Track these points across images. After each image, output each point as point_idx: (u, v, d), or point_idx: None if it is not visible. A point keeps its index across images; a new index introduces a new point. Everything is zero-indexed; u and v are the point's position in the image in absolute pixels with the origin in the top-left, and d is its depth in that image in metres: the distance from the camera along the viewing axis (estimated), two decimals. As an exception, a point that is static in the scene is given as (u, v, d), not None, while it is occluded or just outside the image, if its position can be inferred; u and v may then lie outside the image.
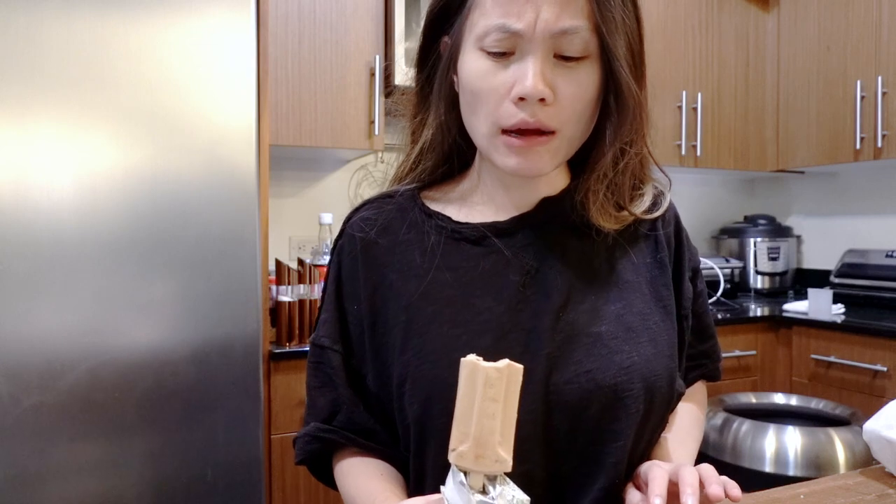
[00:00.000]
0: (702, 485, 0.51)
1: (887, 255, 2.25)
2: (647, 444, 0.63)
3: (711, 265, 2.41)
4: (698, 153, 2.36)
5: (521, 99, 0.54)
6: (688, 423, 0.72)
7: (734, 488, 0.50)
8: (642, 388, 0.58)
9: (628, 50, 0.56)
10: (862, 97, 2.13)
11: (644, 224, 0.67)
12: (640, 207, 0.64)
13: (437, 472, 0.57)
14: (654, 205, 0.66)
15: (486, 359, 0.43)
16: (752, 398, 1.80)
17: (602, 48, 0.55)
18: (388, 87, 1.84)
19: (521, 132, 0.55)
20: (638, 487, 0.59)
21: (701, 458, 0.72)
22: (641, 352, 0.59)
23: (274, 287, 1.65)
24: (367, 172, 2.18)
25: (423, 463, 0.59)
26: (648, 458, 0.63)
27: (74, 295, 1.21)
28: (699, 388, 0.77)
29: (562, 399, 0.57)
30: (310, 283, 1.65)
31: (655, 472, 0.54)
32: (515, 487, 0.42)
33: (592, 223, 0.62)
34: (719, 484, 0.50)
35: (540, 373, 0.57)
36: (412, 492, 0.61)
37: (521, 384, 0.43)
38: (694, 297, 0.71)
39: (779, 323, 2.18)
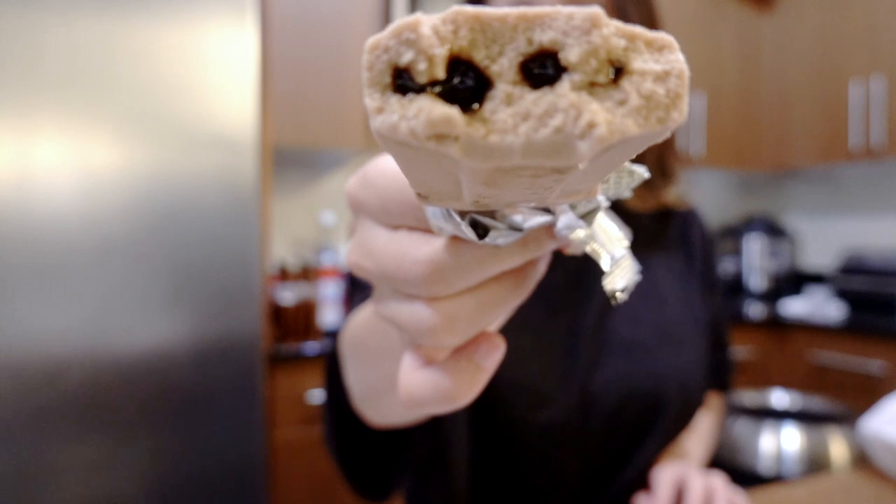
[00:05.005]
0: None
1: (886, 256, 2.26)
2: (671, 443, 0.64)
3: (710, 265, 2.41)
4: (696, 153, 2.37)
5: None
6: (706, 426, 0.73)
7: None
8: (677, 395, 0.59)
9: (644, 21, 0.58)
10: (859, 98, 2.14)
11: (675, 231, 0.69)
12: (668, 197, 0.66)
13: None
14: (678, 204, 0.68)
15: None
16: (750, 397, 1.81)
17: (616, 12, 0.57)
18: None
19: None
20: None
21: (700, 457, 0.73)
22: (677, 359, 0.60)
23: (274, 287, 1.66)
24: (367, 172, 2.18)
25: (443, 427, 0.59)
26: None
27: (75, 295, 1.21)
28: (715, 398, 0.79)
29: (598, 403, 0.57)
30: (310, 283, 1.65)
31: (662, 478, 0.54)
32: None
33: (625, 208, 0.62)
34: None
35: (577, 376, 0.57)
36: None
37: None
38: (716, 307, 0.72)
39: (777, 323, 2.19)
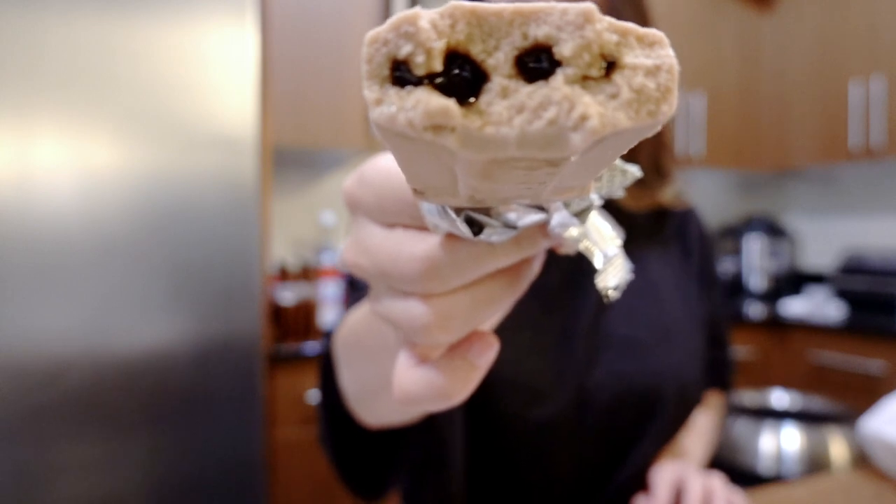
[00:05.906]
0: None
1: (886, 256, 2.26)
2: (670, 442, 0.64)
3: (710, 265, 2.41)
4: (696, 153, 2.37)
5: None
6: (706, 425, 0.73)
7: None
8: (675, 392, 0.59)
9: (635, 19, 0.59)
10: (859, 98, 2.14)
11: (672, 229, 0.69)
12: (663, 196, 0.66)
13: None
14: (675, 204, 0.68)
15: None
16: (750, 397, 1.81)
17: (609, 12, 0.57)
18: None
19: None
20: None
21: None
22: (674, 356, 0.60)
23: (274, 287, 1.66)
24: (367, 172, 2.18)
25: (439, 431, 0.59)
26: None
27: (75, 295, 1.21)
28: (716, 397, 0.78)
29: (595, 401, 0.57)
30: (311, 283, 1.65)
31: (661, 478, 0.54)
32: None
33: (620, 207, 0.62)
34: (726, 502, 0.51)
35: (574, 373, 0.57)
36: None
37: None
38: (714, 305, 0.72)
39: (777, 323, 2.19)
